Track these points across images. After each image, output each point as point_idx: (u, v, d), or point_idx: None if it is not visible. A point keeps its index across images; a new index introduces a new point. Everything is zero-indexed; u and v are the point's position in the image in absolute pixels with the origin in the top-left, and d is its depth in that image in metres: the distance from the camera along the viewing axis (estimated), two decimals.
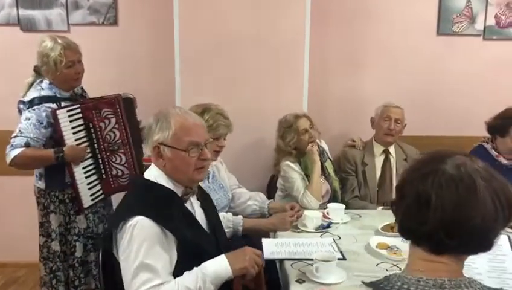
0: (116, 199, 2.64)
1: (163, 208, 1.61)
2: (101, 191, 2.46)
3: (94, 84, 2.65)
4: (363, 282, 1.00)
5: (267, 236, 2.28)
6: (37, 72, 2.42)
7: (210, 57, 3.01)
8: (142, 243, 1.51)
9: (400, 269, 1.86)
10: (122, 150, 2.45)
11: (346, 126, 3.15)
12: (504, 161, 2.77)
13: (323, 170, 2.71)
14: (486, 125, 2.86)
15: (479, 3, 3.30)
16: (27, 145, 2.27)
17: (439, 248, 0.93)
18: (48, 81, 2.39)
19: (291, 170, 2.64)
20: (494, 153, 2.81)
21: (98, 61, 2.55)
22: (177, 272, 1.55)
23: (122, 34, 3.26)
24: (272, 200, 2.60)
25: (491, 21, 3.32)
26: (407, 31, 3.34)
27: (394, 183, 2.85)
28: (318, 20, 3.13)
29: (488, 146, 2.85)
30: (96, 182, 2.44)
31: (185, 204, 1.71)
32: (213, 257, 1.60)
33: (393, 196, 2.79)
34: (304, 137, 2.66)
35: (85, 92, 2.62)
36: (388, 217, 2.43)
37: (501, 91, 3.32)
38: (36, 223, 2.52)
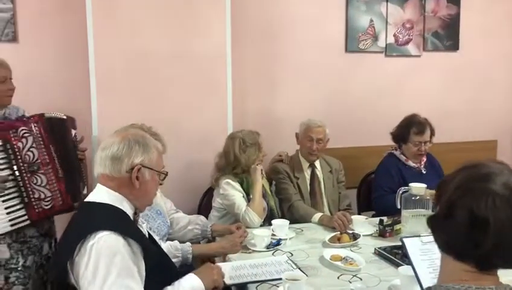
0: None
1: (124, 221, 1.53)
2: (25, 217, 2.23)
3: None
4: None
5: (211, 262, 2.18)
6: None
7: (129, 74, 2.86)
8: (111, 261, 1.39)
9: (361, 279, 1.90)
10: (42, 171, 2.27)
11: (265, 142, 3.17)
12: (412, 164, 3.04)
13: None
14: (391, 135, 3.12)
15: (380, 23, 3.59)
16: None
17: (489, 267, 0.95)
18: None
19: (232, 187, 2.59)
20: (403, 158, 3.07)
21: None
22: (146, 286, 1.49)
23: (24, 51, 2.92)
24: (213, 223, 2.51)
25: (391, 39, 3.63)
26: (318, 49, 3.50)
27: (324, 195, 2.95)
28: (236, 39, 3.13)
29: (397, 153, 3.11)
30: (18, 207, 2.21)
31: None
32: (176, 271, 1.68)
33: (327, 207, 2.91)
34: (260, 155, 2.64)
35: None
36: (328, 229, 2.51)
37: (401, 102, 3.63)
38: None
